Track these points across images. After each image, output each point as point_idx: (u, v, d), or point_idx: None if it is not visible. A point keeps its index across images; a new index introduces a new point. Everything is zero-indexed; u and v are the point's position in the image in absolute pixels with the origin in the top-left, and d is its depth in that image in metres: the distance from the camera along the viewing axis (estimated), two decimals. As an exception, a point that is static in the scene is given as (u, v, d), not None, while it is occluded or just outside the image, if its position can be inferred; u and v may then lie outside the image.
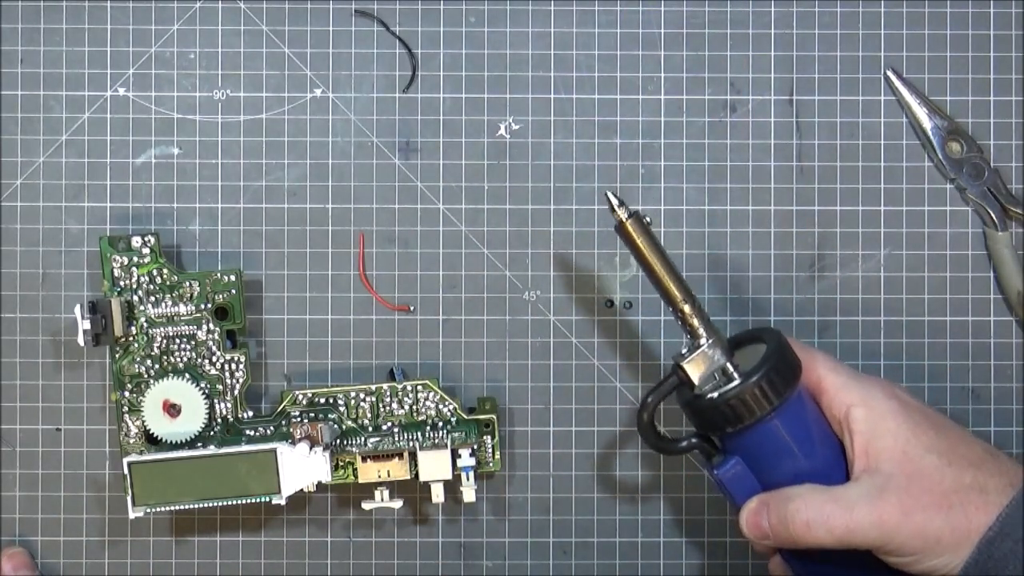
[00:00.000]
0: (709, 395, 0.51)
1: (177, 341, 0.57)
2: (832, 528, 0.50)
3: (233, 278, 0.57)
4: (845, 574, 0.53)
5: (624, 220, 0.52)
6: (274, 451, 0.55)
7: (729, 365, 0.52)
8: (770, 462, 0.52)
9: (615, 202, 0.52)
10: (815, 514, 0.50)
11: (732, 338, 0.54)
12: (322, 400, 0.57)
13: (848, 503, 0.50)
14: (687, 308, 0.52)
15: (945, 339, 0.59)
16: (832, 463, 0.52)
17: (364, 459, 0.57)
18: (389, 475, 0.57)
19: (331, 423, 0.57)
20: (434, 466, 0.57)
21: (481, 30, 0.59)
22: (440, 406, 0.57)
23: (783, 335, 0.53)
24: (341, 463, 0.57)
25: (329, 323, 0.59)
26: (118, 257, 0.57)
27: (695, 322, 0.52)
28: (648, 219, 0.52)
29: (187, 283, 0.57)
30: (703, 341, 0.52)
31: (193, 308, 0.57)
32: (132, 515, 0.55)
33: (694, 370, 0.52)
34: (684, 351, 0.52)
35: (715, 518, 0.59)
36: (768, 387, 0.51)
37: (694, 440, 0.53)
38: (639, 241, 0.52)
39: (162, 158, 0.59)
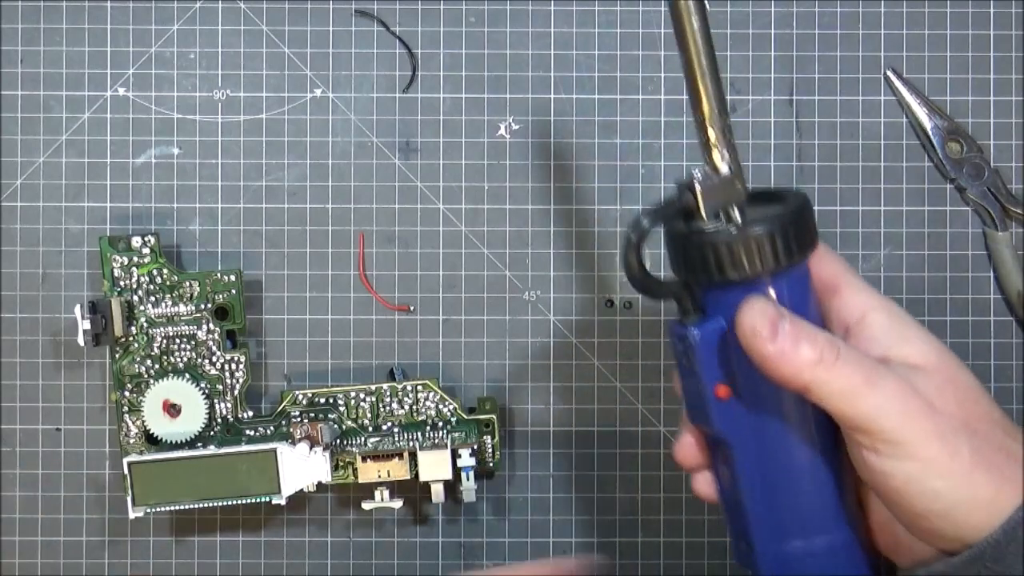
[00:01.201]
0: (706, 230, 0.44)
1: (177, 341, 0.57)
2: (855, 374, 0.41)
3: (233, 278, 0.57)
4: (789, 486, 0.46)
5: None
6: (274, 451, 0.55)
7: (737, 213, 0.44)
8: None
9: None
10: (846, 352, 0.42)
11: (753, 191, 0.46)
12: (322, 400, 0.57)
13: (877, 369, 0.42)
14: (717, 127, 0.44)
15: (945, 339, 0.59)
16: None
17: (364, 459, 0.57)
18: (389, 475, 0.57)
19: (331, 423, 0.57)
20: (434, 466, 0.57)
21: (481, 30, 0.59)
22: (440, 406, 0.57)
23: (808, 200, 0.45)
24: (341, 463, 0.57)
25: (329, 323, 0.59)
26: (118, 257, 0.57)
27: (721, 146, 0.44)
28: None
29: (187, 283, 0.57)
30: (725, 168, 0.44)
31: (193, 308, 0.57)
32: (132, 515, 0.55)
33: (707, 196, 0.44)
34: (697, 175, 0.44)
35: (715, 518, 0.59)
36: (773, 242, 0.43)
37: (677, 288, 0.45)
38: (691, 24, 0.43)
39: (162, 158, 0.59)
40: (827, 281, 0.45)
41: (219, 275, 0.57)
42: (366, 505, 0.57)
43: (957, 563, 0.42)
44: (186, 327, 0.57)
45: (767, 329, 0.42)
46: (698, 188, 0.44)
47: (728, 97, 0.58)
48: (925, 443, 0.41)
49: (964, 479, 0.41)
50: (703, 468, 0.48)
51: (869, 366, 0.42)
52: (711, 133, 0.44)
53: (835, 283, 0.45)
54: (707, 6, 0.43)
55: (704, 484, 0.48)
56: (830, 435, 0.46)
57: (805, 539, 0.47)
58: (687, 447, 0.48)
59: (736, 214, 0.44)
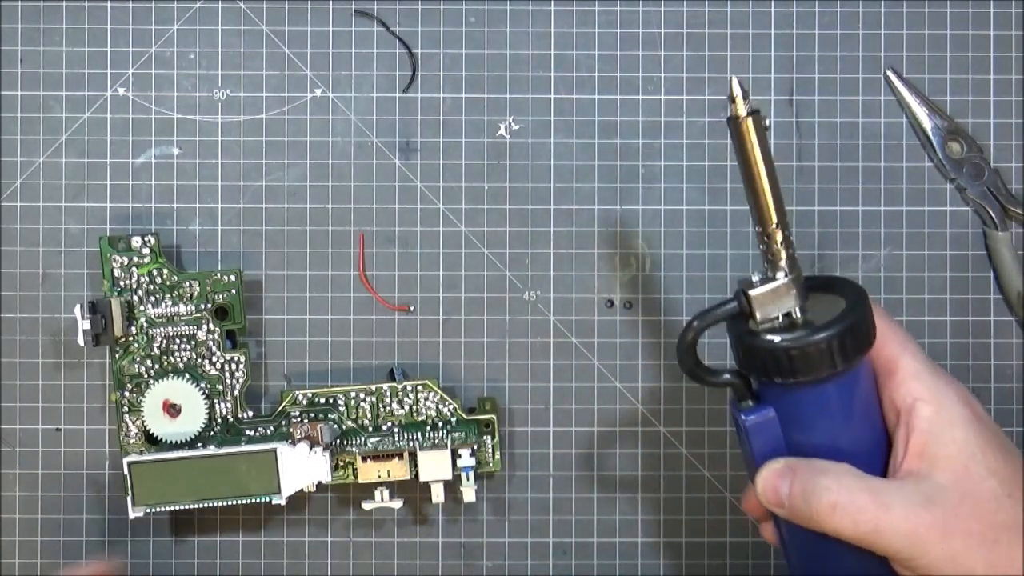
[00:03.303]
0: (769, 336, 0.46)
1: (177, 341, 0.57)
2: (859, 521, 0.44)
3: (233, 278, 0.57)
4: (837, 563, 0.48)
5: (742, 116, 0.46)
6: (274, 451, 0.55)
7: (798, 311, 0.46)
8: (806, 428, 0.47)
9: (738, 91, 0.46)
10: (846, 499, 0.44)
11: (807, 279, 0.48)
12: (322, 400, 0.57)
13: (886, 501, 0.44)
14: (778, 234, 0.46)
15: (945, 339, 0.59)
16: (872, 451, 0.47)
17: (364, 459, 0.57)
18: (389, 475, 0.57)
19: (331, 423, 0.57)
20: (434, 466, 0.57)
21: (481, 30, 0.59)
22: (440, 406, 0.57)
23: (867, 296, 0.47)
24: (341, 463, 0.57)
25: (329, 323, 0.59)
26: (118, 257, 0.57)
27: (781, 251, 0.46)
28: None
29: (187, 283, 0.57)
30: (781, 275, 0.46)
31: (193, 308, 0.57)
32: (132, 515, 0.55)
33: (761, 303, 0.46)
34: (755, 279, 0.46)
35: (715, 518, 0.59)
36: (837, 349, 0.45)
37: (731, 376, 0.48)
38: (751, 142, 0.46)
39: (162, 158, 0.59)
40: (886, 361, 0.47)
41: (219, 275, 0.57)
42: (366, 505, 0.57)
43: None
44: (186, 327, 0.57)
45: (774, 499, 0.46)
46: (753, 295, 0.46)
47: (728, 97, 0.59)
48: (939, 565, 0.44)
49: None
50: (767, 520, 0.51)
51: (877, 506, 0.44)
52: (775, 238, 0.46)
53: (891, 366, 0.47)
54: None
55: (770, 531, 0.51)
56: None
57: None
58: (752, 500, 0.51)
59: (797, 315, 0.46)
